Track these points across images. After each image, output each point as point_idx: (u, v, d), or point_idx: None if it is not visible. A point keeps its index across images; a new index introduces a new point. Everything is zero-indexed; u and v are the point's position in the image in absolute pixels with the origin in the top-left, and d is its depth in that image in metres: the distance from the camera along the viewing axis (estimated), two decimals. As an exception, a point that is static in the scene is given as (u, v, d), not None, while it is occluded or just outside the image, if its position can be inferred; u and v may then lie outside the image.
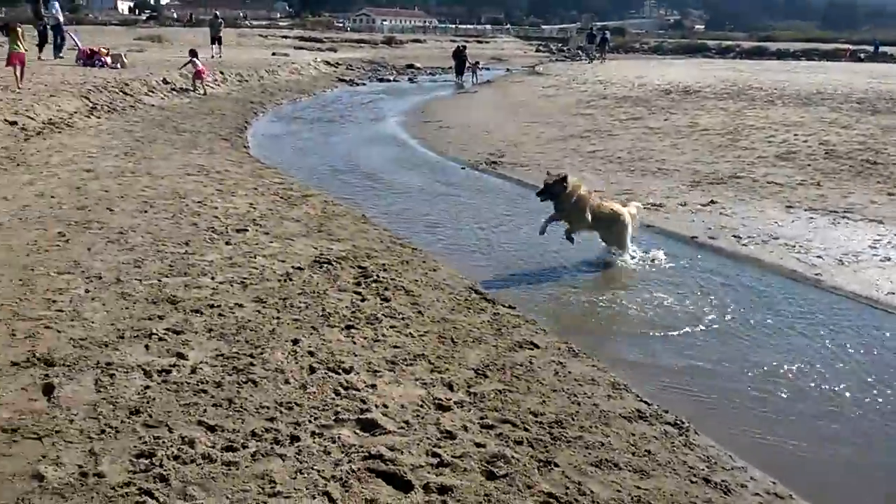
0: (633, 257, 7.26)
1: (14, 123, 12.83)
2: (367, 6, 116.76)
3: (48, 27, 25.04)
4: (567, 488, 3.43)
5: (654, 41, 74.38)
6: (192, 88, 21.27)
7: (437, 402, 4.14)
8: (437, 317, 5.46)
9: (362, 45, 52.70)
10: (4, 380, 4.12)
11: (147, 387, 4.12)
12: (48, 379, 4.13)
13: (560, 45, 69.69)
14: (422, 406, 4.09)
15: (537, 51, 64.88)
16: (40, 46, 24.39)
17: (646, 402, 4.37)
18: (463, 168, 12.82)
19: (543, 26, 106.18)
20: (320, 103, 23.87)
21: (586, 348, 5.21)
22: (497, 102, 23.85)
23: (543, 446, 3.78)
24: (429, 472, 3.46)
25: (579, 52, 55.44)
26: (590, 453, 3.74)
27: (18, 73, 15.96)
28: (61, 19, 25.59)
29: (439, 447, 3.68)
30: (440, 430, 3.86)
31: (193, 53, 22.59)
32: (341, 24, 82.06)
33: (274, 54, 38.34)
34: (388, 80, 35.17)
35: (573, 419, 4.08)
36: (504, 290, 6.47)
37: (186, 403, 3.96)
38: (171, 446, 3.54)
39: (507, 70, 44.00)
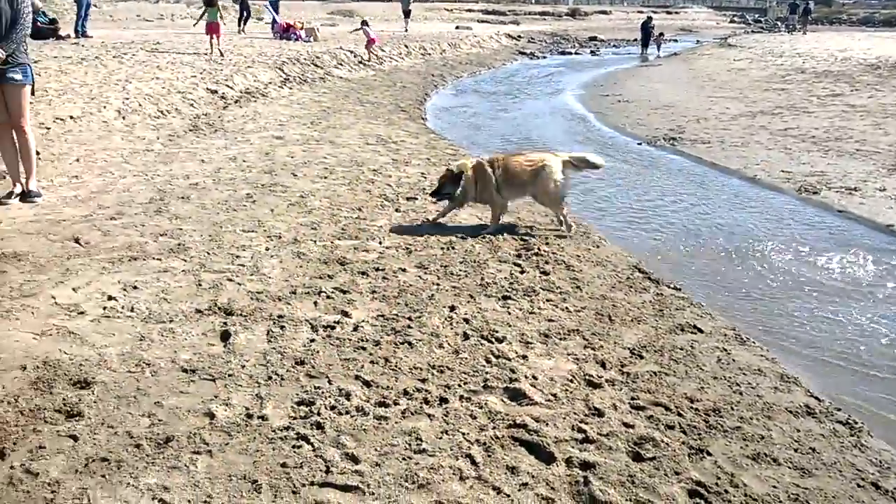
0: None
1: (215, 92, 13.93)
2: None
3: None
4: (718, 478, 3.27)
5: (864, 12, 67.83)
6: (366, 59, 22.20)
7: (587, 378, 4.08)
8: (595, 293, 5.35)
9: (545, 17, 52.14)
10: (188, 324, 4.53)
11: (312, 340, 4.37)
12: (226, 327, 4.49)
13: (757, 15, 65.34)
14: (571, 381, 4.04)
15: (731, 21, 61.38)
16: (243, 21, 26.31)
17: (816, 398, 4.05)
18: (639, 144, 12.43)
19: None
20: (499, 76, 23.98)
21: (756, 337, 4.91)
22: (681, 76, 22.84)
23: (697, 433, 3.61)
24: (572, 447, 3.42)
25: (778, 23, 51.75)
26: (747, 445, 3.53)
27: (215, 42, 17.76)
28: None
29: (585, 423, 3.62)
30: (588, 406, 3.79)
31: (364, 23, 23.63)
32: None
33: (457, 28, 38.91)
34: (570, 53, 34.68)
35: (733, 409, 3.87)
36: (671, 270, 6.23)
37: (346, 358, 4.17)
38: (329, 397, 3.74)
39: (697, 42, 41.95)
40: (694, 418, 3.75)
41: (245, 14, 27.42)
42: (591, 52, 36.22)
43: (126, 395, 3.70)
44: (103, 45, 18.41)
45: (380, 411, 3.65)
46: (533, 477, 3.21)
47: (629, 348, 4.49)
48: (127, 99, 11.66)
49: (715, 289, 5.95)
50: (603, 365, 4.25)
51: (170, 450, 3.26)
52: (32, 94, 7.00)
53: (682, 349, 4.52)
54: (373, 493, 3.05)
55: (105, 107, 10.97)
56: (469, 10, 54.76)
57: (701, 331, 4.82)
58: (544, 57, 32.13)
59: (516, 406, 3.78)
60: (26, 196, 6.99)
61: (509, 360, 4.24)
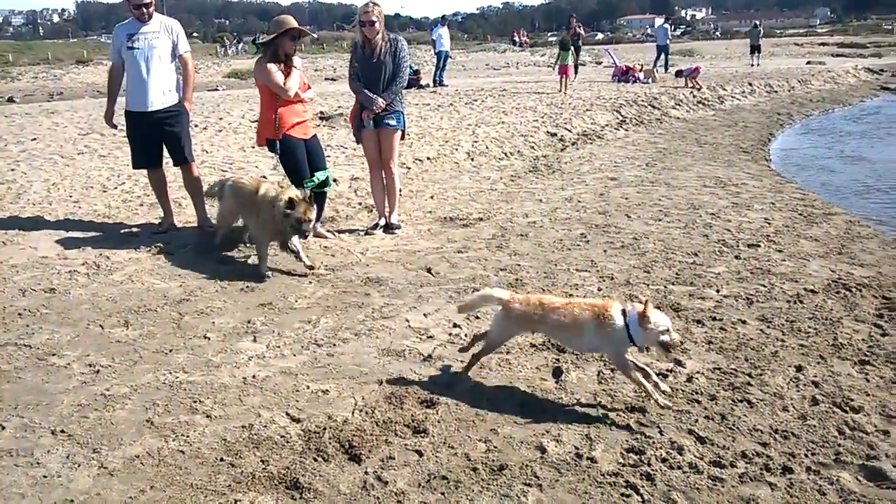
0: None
1: (554, 135, 14.49)
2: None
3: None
4: None
5: None
6: (688, 85, 22.73)
7: (973, 468, 3.44)
8: (984, 368, 4.52)
9: (918, 47, 46.05)
10: (523, 356, 4.70)
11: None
12: (558, 363, 4.58)
13: None
14: (951, 469, 3.44)
15: None
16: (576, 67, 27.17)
17: None
18: None
19: None
20: (856, 114, 21.66)
21: None
22: None
23: None
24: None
25: None
26: None
27: (566, 81, 19.74)
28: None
29: (970, 523, 3.05)
30: (975, 503, 3.19)
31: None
32: (890, 27, 72.70)
33: (808, 63, 36.04)
34: (949, 87, 30.10)
35: None
36: None
37: (679, 410, 4.00)
38: (661, 448, 3.62)
39: None
40: None
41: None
42: (979, 83, 31.09)
43: (466, 418, 3.94)
44: (457, 92, 20.22)
45: (715, 471, 3.44)
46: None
47: None
48: (476, 142, 12.63)
49: None
50: None
51: (503, 478, 3.39)
52: (402, 138, 7.90)
53: None
54: (706, 559, 2.87)
55: (457, 149, 12.00)
56: (822, 44, 50.47)
57: None
58: (913, 92, 28.33)
59: (874, 488, 3.31)
60: (389, 228, 7.87)
61: (867, 433, 3.74)
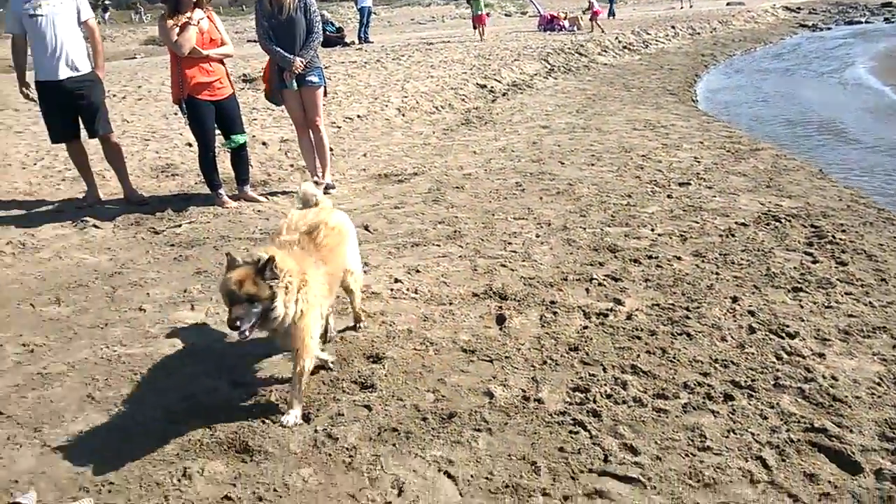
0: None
1: (484, 87, 14.41)
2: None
3: None
4: None
5: None
6: (588, 29, 24.42)
7: (898, 381, 3.61)
8: (905, 287, 4.72)
9: (831, -16, 47.26)
10: (466, 307, 4.71)
11: (585, 327, 4.34)
12: (501, 310, 4.61)
13: None
14: (879, 384, 3.59)
15: None
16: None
17: None
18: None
19: None
20: (776, 52, 22.19)
21: None
22: None
23: None
24: (883, 457, 3.04)
25: None
26: None
27: (480, 29, 22.11)
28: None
29: (898, 432, 3.20)
30: (901, 413, 3.35)
31: None
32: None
33: (728, 4, 36.62)
34: (858, 22, 31.14)
35: None
36: None
37: (621, 347, 4.08)
38: (605, 385, 3.68)
39: None
40: None
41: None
42: (886, 19, 32.16)
43: (412, 370, 3.94)
44: (383, 48, 19.88)
45: (659, 403, 3.52)
46: (836, 487, 2.89)
47: (952, 350, 3.90)
48: (405, 97, 12.47)
49: None
50: (918, 368, 3.74)
51: (453, 425, 3.41)
52: (325, 95, 7.72)
53: None
54: (654, 488, 2.94)
55: (387, 105, 11.83)
56: (741, -15, 51.27)
57: None
58: (828, 28, 29.18)
59: (812, 407, 3.44)
60: (323, 188, 7.73)
61: (803, 357, 3.88)
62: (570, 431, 3.32)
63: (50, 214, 7.19)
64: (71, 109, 7.07)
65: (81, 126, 7.25)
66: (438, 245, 5.90)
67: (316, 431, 3.44)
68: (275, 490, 3.05)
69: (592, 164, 8.36)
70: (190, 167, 8.65)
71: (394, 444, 3.31)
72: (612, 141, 9.63)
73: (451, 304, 4.76)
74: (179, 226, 6.69)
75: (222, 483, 3.12)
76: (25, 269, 5.83)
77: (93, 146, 7.71)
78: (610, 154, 8.85)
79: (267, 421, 3.53)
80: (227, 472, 3.18)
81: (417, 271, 5.33)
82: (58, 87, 6.91)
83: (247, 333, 3.24)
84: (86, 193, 7.59)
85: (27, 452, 3.37)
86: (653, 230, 6.02)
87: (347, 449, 3.29)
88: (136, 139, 10.04)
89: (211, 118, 6.95)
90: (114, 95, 13.05)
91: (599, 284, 4.94)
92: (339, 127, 10.76)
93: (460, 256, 5.62)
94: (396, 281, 5.18)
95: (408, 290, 5.01)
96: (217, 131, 7.13)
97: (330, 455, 3.26)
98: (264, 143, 9.64)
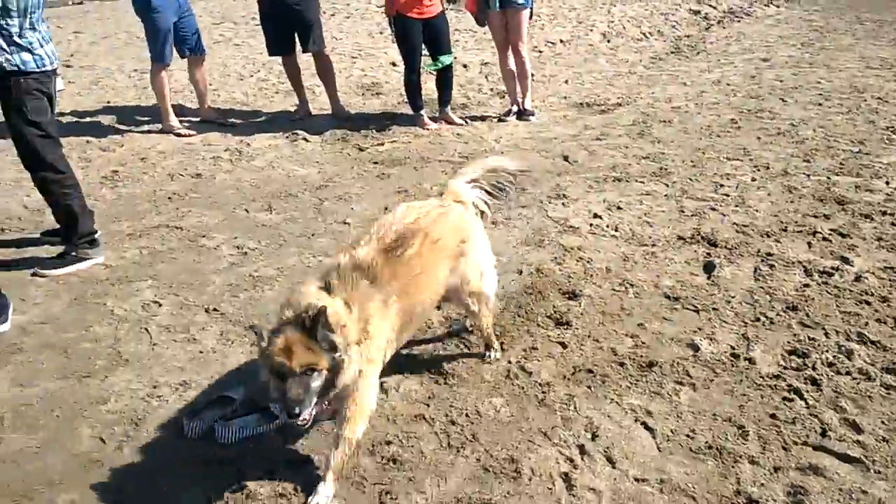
0: None
1: (697, 13, 13.43)
2: None
3: None
4: None
5: None
6: None
7: None
8: None
9: None
10: (671, 250, 4.45)
11: (806, 285, 3.95)
12: (709, 258, 4.31)
13: None
14: None
15: None
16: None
17: None
18: None
19: None
20: None
21: None
22: None
23: None
24: None
25: None
26: None
27: None
28: None
29: None
30: None
31: None
32: None
33: None
34: None
35: None
36: None
37: (847, 311, 3.68)
38: (827, 352, 3.34)
39: None
40: None
41: None
42: None
43: (611, 312, 3.79)
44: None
45: (889, 379, 3.15)
46: None
47: None
48: (611, 22, 11.90)
49: None
50: None
51: (653, 375, 3.25)
52: (530, 18, 7.45)
53: None
54: (879, 472, 2.64)
55: (591, 30, 11.35)
56: None
57: None
58: None
59: None
60: (522, 114, 7.58)
61: None
62: (785, 398, 3.05)
63: (264, 125, 7.60)
64: (288, 24, 7.33)
65: (296, 41, 7.52)
66: (642, 182, 5.60)
67: (509, 363, 3.41)
68: (467, 415, 3.06)
69: (819, 104, 7.56)
70: (394, 87, 8.79)
71: (588, 386, 3.21)
72: (843, 79, 8.65)
73: (653, 245, 4.51)
74: (382, 144, 6.83)
75: (416, 401, 3.17)
76: (241, 175, 6.21)
77: (304, 61, 8.00)
78: (839, 94, 7.96)
79: (461, 346, 3.55)
80: (422, 392, 3.23)
81: (619, 208, 5.10)
82: (276, 1, 7.16)
83: (307, 418, 2.44)
84: (297, 107, 7.93)
85: (237, 350, 3.61)
86: (888, 183, 5.36)
87: (540, 384, 3.24)
88: (343, 56, 10.32)
89: (419, 37, 6.94)
90: (324, 13, 13.44)
91: (824, 239, 4.48)
92: (541, 52, 10.47)
93: (665, 196, 5.31)
94: (596, 216, 4.99)
95: (608, 226, 4.81)
96: (424, 51, 7.13)
97: (522, 388, 3.22)
98: (465, 66, 9.58)
